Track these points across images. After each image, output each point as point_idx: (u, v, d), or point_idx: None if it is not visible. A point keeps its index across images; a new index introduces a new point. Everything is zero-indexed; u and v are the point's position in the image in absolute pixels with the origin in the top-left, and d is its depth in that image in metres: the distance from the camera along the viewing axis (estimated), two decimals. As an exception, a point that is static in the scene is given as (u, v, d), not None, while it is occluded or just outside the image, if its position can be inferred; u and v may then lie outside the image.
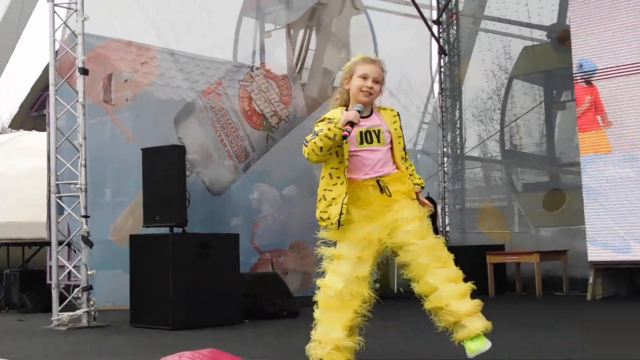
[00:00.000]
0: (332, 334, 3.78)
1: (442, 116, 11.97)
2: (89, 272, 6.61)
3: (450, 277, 3.72)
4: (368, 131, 3.83)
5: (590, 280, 8.43)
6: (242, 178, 9.13)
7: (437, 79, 12.20)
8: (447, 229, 11.80)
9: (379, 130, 3.85)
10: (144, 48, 8.95)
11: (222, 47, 10.01)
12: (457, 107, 12.21)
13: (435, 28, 11.87)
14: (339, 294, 3.79)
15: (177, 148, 6.84)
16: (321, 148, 3.69)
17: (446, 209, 11.82)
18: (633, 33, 8.28)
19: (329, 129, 3.66)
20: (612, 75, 8.42)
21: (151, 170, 6.74)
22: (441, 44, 11.92)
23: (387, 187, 3.81)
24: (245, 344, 5.20)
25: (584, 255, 8.72)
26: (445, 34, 12.19)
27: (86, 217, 6.69)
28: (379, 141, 3.84)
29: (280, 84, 9.63)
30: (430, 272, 3.71)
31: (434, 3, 12.17)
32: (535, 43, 12.21)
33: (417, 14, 11.22)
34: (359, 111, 3.76)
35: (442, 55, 12.03)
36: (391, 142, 3.90)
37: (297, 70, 10.32)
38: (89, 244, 6.64)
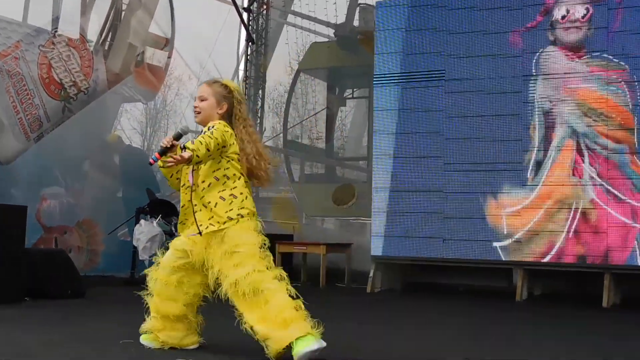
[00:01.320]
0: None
1: (247, 104, 12.09)
2: None
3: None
4: None
5: (371, 274, 8.94)
6: (33, 148, 8.70)
7: (242, 66, 12.32)
8: (241, 215, 11.94)
9: None
10: None
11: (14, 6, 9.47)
12: (260, 96, 12.41)
13: (245, 15, 11.96)
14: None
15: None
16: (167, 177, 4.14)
17: (241, 196, 11.96)
18: (432, 41, 8.88)
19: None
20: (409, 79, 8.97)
21: None
22: (250, 32, 12.03)
23: (194, 211, 3.98)
24: (30, 325, 5.00)
25: (366, 250, 9.23)
26: (254, 22, 12.32)
27: None
28: None
29: (82, 54, 9.28)
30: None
31: (247, -10, 12.29)
32: (325, 40, 12.78)
33: (229, -1, 11.30)
34: (179, 134, 3.93)
35: (250, 44, 12.15)
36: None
37: (100, 42, 9.98)
38: None
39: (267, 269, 3.89)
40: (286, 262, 9.86)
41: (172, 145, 3.83)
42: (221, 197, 3.91)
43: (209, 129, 3.92)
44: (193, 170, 3.94)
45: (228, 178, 3.95)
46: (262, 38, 12.36)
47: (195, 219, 3.91)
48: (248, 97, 12.17)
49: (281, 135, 13.30)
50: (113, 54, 10.13)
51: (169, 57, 10.97)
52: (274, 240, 9.78)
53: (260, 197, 12.28)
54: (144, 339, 4.10)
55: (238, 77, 12.57)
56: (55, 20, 9.20)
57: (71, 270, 7.19)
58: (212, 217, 3.89)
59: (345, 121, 13.66)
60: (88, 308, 6.21)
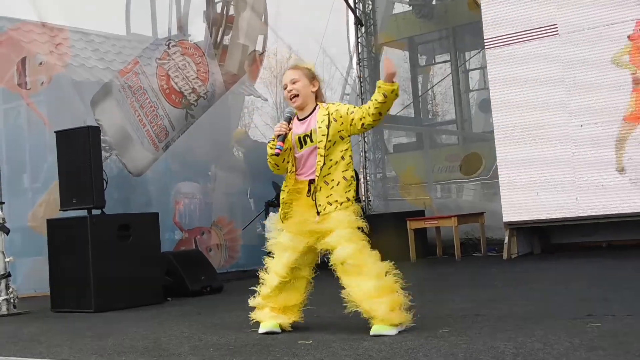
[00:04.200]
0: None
1: (361, 86, 12.15)
2: (7, 259, 6.55)
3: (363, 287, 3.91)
4: (305, 135, 4.10)
5: (506, 240, 8.77)
6: (163, 157, 9.13)
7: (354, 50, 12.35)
8: (370, 197, 12.03)
9: (311, 132, 4.08)
10: (57, 29, 8.83)
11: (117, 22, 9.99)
12: (376, 76, 12.39)
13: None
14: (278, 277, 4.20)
15: (92, 129, 6.77)
16: (274, 165, 4.17)
17: (368, 178, 12.05)
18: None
19: (270, 148, 4.10)
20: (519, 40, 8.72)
21: (66, 153, 6.70)
22: (357, 14, 12.04)
23: (315, 191, 4.04)
24: (166, 321, 5.29)
25: (500, 216, 9.06)
26: (361, 4, 12.32)
27: (1, 203, 6.62)
28: (311, 141, 4.08)
29: (197, 61, 9.62)
30: (347, 280, 3.96)
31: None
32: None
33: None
34: (289, 118, 4.12)
35: (359, 26, 12.15)
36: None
37: (215, 46, 10.30)
38: (5, 230, 6.58)
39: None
40: (420, 238, 9.84)
41: (290, 129, 4.10)
42: (344, 177, 4.03)
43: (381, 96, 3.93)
44: (317, 148, 4.01)
45: (349, 159, 4.08)
46: (371, 19, 12.33)
47: (315, 200, 4.00)
48: (363, 78, 12.19)
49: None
50: (229, 56, 10.42)
51: (265, 38, 11.09)
52: (405, 218, 9.79)
53: (387, 177, 12.32)
54: (263, 327, 4.25)
55: (352, 62, 12.62)
56: (168, 32, 9.59)
57: (208, 268, 7.51)
58: (331, 195, 3.99)
59: (430, 87, 13.71)
60: (222, 302, 6.48)
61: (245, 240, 9.86)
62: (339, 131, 4.01)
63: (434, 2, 12.68)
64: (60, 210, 6.76)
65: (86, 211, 6.54)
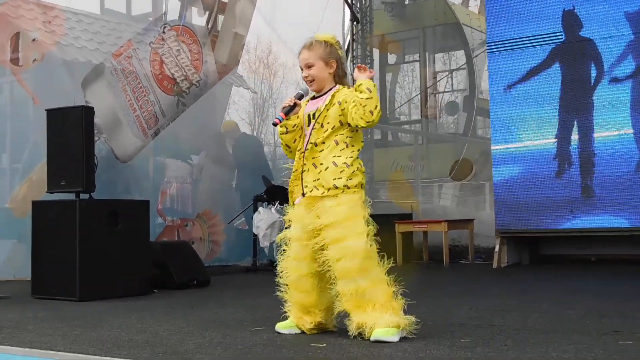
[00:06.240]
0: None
1: (354, 83, 11.94)
2: (-12, 241, 6.25)
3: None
4: (313, 113, 3.90)
5: (496, 249, 8.64)
6: (151, 144, 8.84)
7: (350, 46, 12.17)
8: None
9: (317, 110, 3.88)
10: (48, 7, 8.54)
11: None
12: (368, 74, 12.22)
13: (348, -5, 11.81)
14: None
15: (85, 109, 6.45)
16: (285, 146, 4.04)
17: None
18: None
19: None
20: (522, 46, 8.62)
21: (57, 133, 6.39)
22: (354, 11, 11.85)
23: (303, 170, 3.88)
24: (158, 314, 5.04)
25: (487, 224, 8.94)
26: (358, 1, 12.14)
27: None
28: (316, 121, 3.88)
29: (191, 48, 9.34)
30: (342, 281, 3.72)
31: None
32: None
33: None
34: (300, 95, 3.94)
35: (355, 23, 11.96)
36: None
37: (208, 34, 10.02)
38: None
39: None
40: (406, 242, 9.66)
41: (295, 104, 3.88)
42: (334, 163, 3.77)
43: (365, 91, 3.70)
44: (313, 128, 3.84)
45: (347, 146, 3.81)
46: (367, 16, 12.14)
47: (301, 179, 3.83)
48: (357, 77, 12.02)
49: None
50: (220, 44, 10.15)
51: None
52: (393, 220, 9.61)
53: (374, 180, 12.14)
54: (280, 327, 4.02)
55: (347, 58, 12.44)
56: (163, 16, 9.29)
57: (195, 261, 7.26)
58: (318, 179, 3.78)
59: (396, 86, 13.73)
60: (214, 296, 6.23)
61: (227, 234, 9.61)
62: (339, 115, 3.80)
63: (406, 2, 12.70)
64: (47, 192, 6.44)
65: (74, 194, 6.25)
